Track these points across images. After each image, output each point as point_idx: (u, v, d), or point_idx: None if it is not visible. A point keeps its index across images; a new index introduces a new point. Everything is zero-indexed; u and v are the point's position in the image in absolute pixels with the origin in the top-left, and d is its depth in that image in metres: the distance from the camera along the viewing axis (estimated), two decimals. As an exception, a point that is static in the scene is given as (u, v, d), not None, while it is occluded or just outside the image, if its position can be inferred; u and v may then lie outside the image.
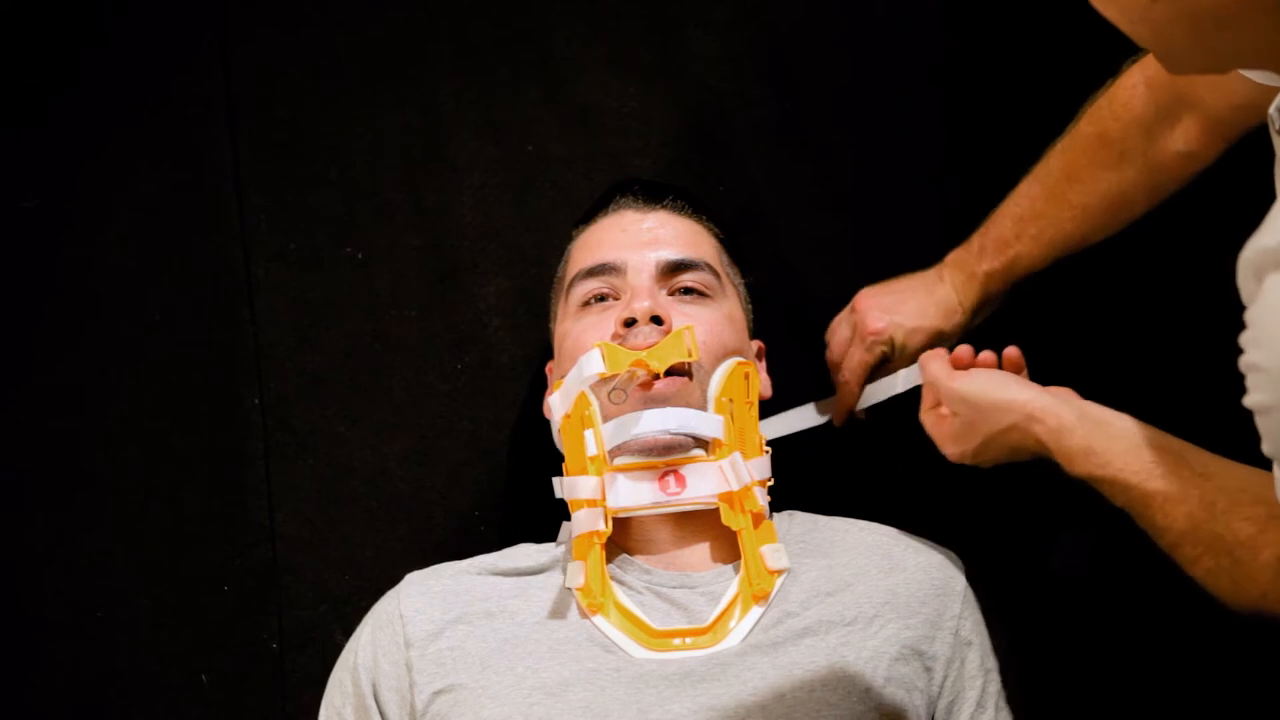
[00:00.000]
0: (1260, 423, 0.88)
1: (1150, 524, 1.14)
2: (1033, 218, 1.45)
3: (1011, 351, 1.34)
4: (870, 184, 1.66)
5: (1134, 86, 1.37)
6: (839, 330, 1.53)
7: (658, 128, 1.65)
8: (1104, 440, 1.19)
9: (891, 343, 1.48)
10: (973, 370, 1.34)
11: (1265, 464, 0.93)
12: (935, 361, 1.36)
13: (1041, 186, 1.44)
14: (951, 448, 1.34)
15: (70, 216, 1.60)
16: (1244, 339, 0.87)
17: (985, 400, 1.29)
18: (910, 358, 1.46)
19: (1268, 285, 0.84)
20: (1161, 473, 1.14)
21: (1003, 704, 1.35)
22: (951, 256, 1.50)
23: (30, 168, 1.59)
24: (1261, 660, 1.42)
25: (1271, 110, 1.02)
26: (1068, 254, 1.45)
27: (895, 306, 1.48)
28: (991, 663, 1.35)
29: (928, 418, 1.37)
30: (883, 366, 1.49)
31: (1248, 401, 0.88)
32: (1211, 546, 1.07)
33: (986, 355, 1.35)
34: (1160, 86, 1.34)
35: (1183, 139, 1.35)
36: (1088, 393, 1.27)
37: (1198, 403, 1.43)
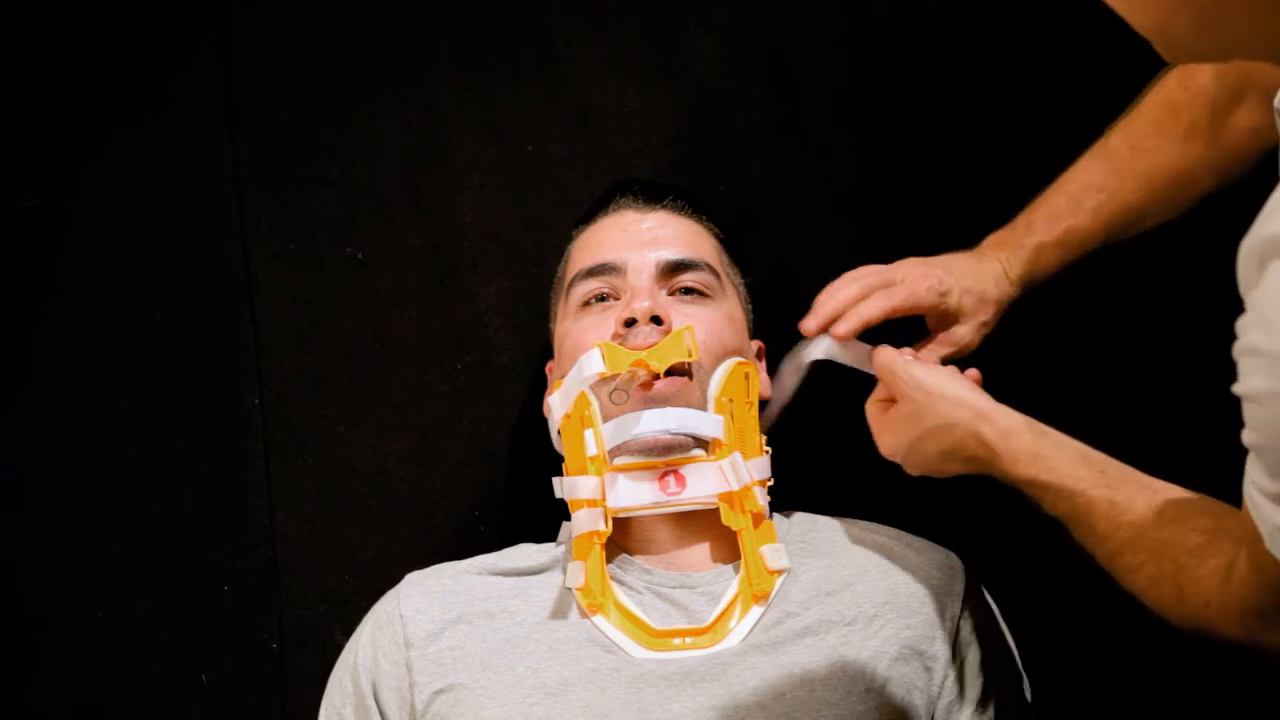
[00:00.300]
0: (1250, 410, 0.87)
1: (1090, 532, 1.12)
2: (1092, 190, 1.39)
3: (973, 372, 1.33)
4: (870, 184, 1.66)
5: (1201, 65, 1.34)
6: (846, 288, 1.41)
7: (658, 128, 1.65)
8: (1051, 447, 1.19)
9: (945, 298, 1.39)
10: (932, 364, 1.33)
11: (1239, 456, 0.93)
12: (891, 350, 1.34)
13: (1102, 160, 1.39)
14: (888, 438, 1.32)
15: (70, 216, 1.60)
16: (1243, 323, 0.87)
17: (939, 390, 1.27)
18: (962, 321, 1.41)
19: (1272, 270, 0.83)
20: (1107, 481, 1.14)
21: (1004, 704, 1.35)
22: (992, 239, 1.44)
23: (30, 168, 1.59)
24: (1262, 661, 1.42)
25: (1277, 102, 1.02)
26: (1125, 235, 1.40)
27: (948, 266, 1.41)
28: (992, 663, 1.35)
29: (873, 406, 1.35)
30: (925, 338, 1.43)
31: (1240, 388, 0.87)
32: (1156, 553, 1.06)
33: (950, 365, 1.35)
34: (1226, 65, 1.32)
35: (1249, 115, 1.32)
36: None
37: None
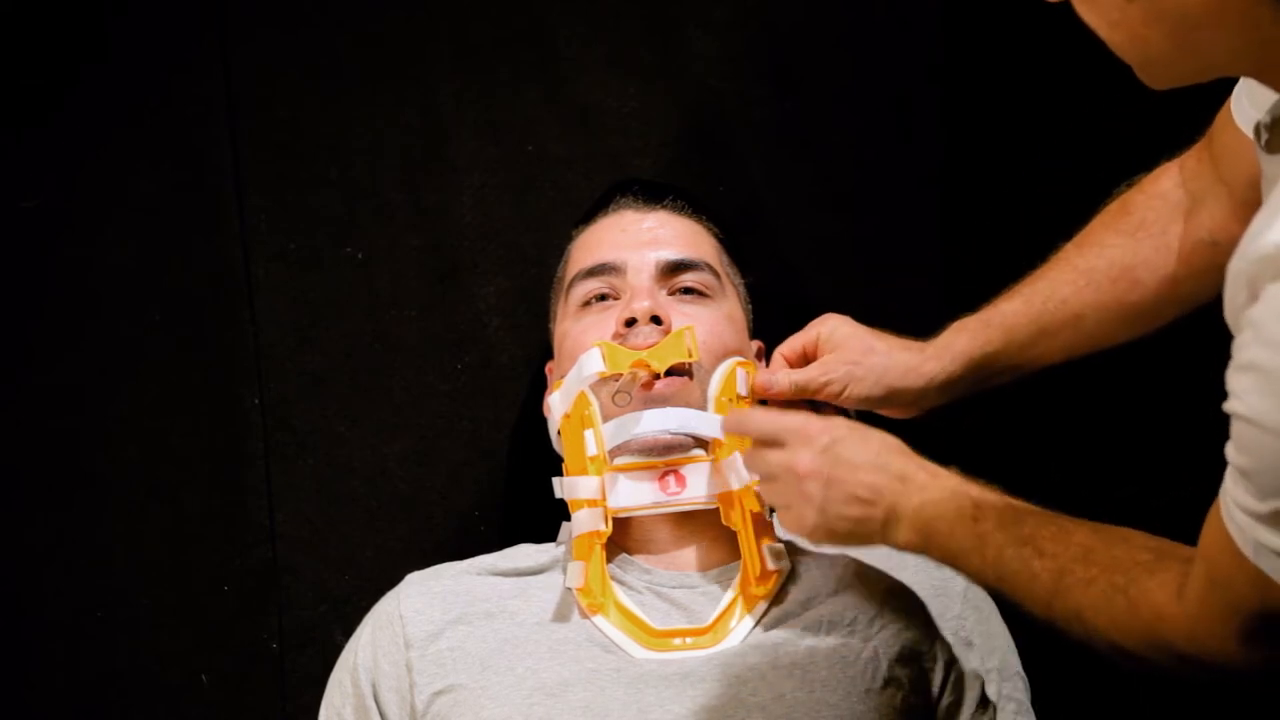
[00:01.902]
0: (1242, 430, 0.86)
1: (1037, 550, 1.08)
2: (1028, 282, 1.33)
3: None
4: (870, 184, 1.66)
5: (1166, 169, 1.31)
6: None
7: (658, 128, 1.65)
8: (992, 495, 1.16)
9: (830, 330, 1.35)
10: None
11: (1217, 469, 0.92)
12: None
13: (1047, 262, 1.33)
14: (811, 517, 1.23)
15: (70, 216, 1.60)
16: (1240, 341, 0.87)
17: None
18: (834, 350, 1.35)
19: (1271, 289, 0.83)
20: (1056, 511, 1.12)
21: (1004, 704, 1.35)
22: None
23: (30, 168, 1.59)
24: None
25: (1258, 121, 1.01)
26: (1061, 339, 1.31)
27: (859, 325, 1.36)
28: (992, 663, 1.35)
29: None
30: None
31: (1232, 406, 0.87)
32: (1108, 567, 1.03)
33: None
34: (1192, 173, 1.28)
35: (1208, 225, 1.26)
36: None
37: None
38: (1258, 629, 0.93)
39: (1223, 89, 1.19)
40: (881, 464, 1.19)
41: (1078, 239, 1.33)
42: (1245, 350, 0.85)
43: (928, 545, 1.16)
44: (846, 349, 1.34)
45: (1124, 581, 1.02)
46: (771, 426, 1.25)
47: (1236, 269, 0.86)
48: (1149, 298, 1.29)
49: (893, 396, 1.33)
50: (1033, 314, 1.31)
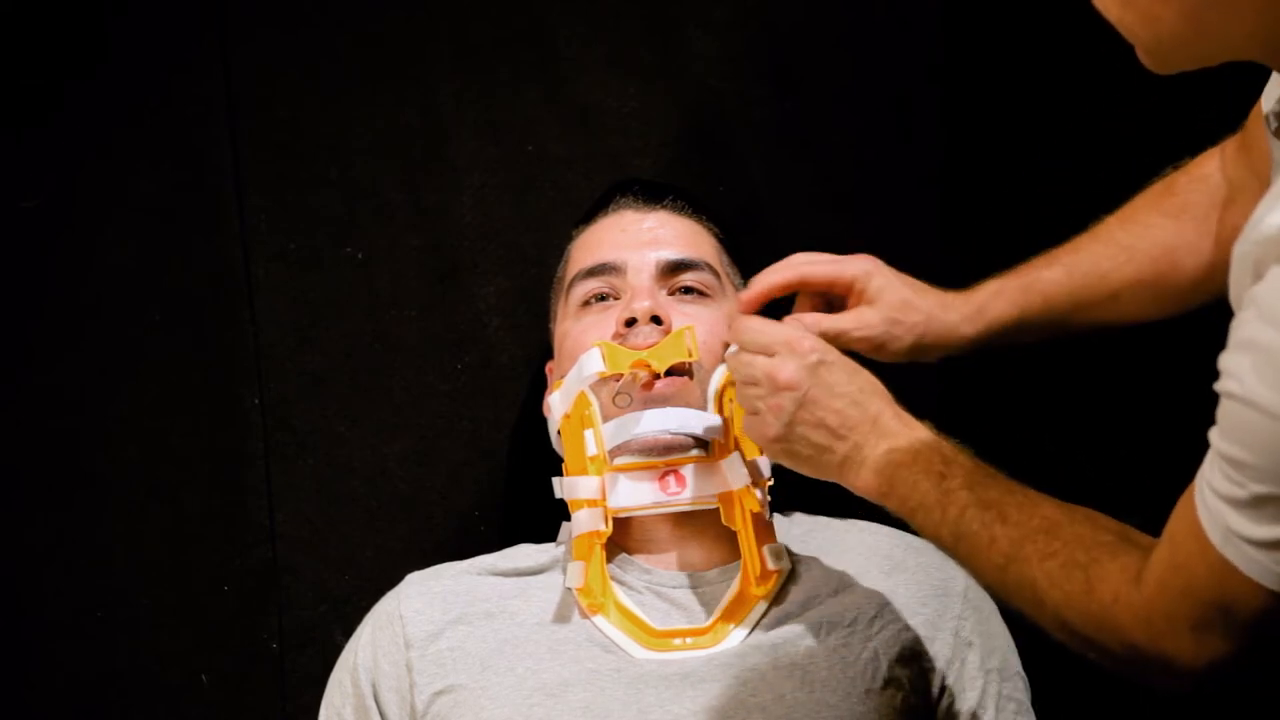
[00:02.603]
0: (1233, 412, 0.86)
1: (1000, 516, 1.07)
2: (1070, 251, 1.31)
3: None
4: (870, 184, 1.66)
5: (1210, 154, 1.30)
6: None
7: (658, 128, 1.65)
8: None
9: (870, 278, 1.30)
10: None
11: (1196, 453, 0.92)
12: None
13: (1088, 233, 1.32)
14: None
15: (70, 216, 1.60)
16: (1243, 319, 0.85)
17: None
18: (875, 307, 1.30)
19: (1278, 268, 0.82)
20: (1024, 483, 1.11)
21: (1004, 704, 1.35)
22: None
23: (30, 168, 1.59)
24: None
25: (1267, 110, 1.01)
26: (1098, 312, 1.30)
27: (893, 271, 1.32)
28: (992, 663, 1.35)
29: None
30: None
31: (1226, 386, 0.86)
32: (1070, 542, 1.02)
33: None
34: (1231, 160, 1.27)
35: (1244, 215, 1.22)
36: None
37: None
38: (1211, 618, 0.92)
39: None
40: (861, 401, 1.18)
41: (1121, 214, 1.32)
42: (1245, 328, 0.85)
43: (888, 494, 1.16)
44: (883, 303, 1.29)
45: (1085, 559, 1.01)
46: (765, 337, 1.23)
47: (1242, 251, 0.86)
48: (1186, 280, 1.29)
49: (918, 355, 1.31)
50: (1073, 286, 1.30)
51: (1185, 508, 0.94)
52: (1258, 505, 0.86)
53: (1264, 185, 1.22)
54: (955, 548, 1.12)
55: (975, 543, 1.09)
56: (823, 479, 1.22)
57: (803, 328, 1.24)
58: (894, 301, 1.29)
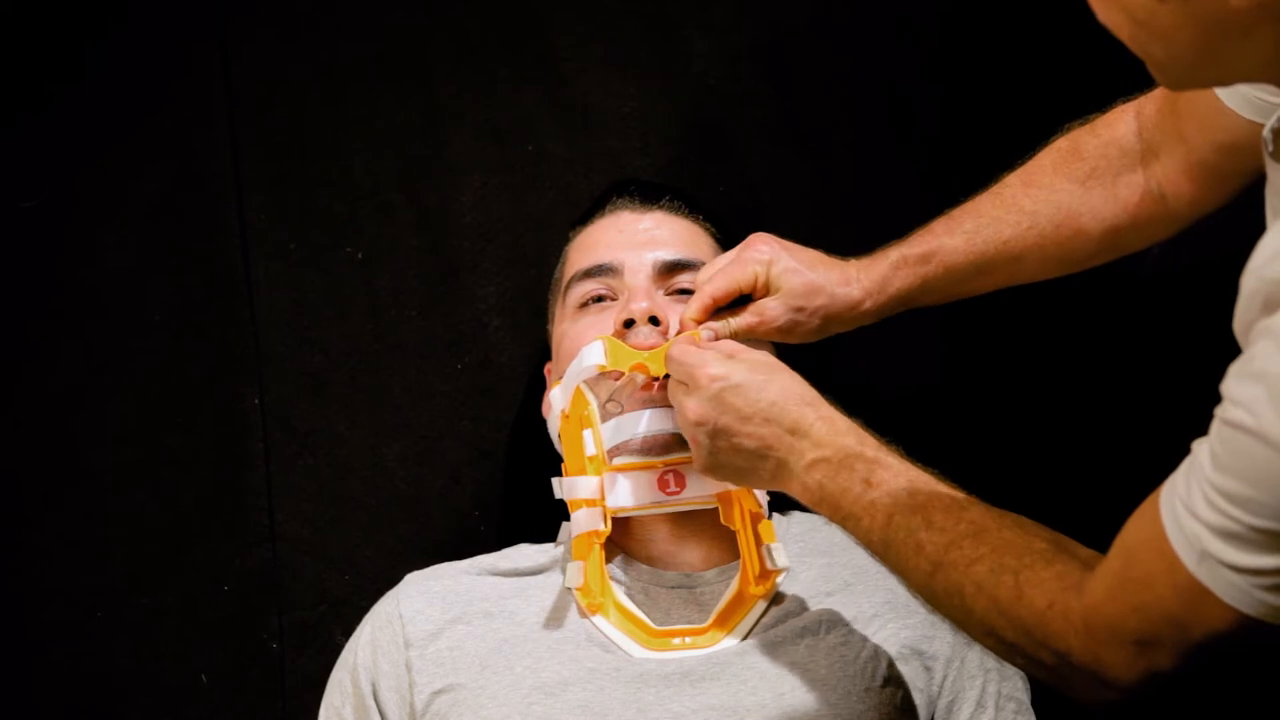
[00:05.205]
0: (1236, 440, 0.83)
1: (926, 521, 1.06)
2: (971, 215, 1.31)
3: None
4: (869, 184, 1.66)
5: (1122, 112, 1.29)
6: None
7: (658, 128, 1.65)
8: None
9: (769, 267, 1.30)
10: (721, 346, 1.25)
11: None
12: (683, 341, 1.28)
13: (993, 195, 1.31)
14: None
15: (70, 216, 1.60)
16: (1257, 350, 0.82)
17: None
18: (776, 296, 1.31)
19: None
20: (952, 484, 1.10)
21: (1004, 703, 1.35)
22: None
23: (30, 167, 1.59)
24: (1264, 664, 1.42)
25: (1265, 132, 1.00)
26: (1000, 275, 1.31)
27: (795, 248, 1.33)
28: (991, 662, 1.35)
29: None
30: (743, 304, 1.33)
31: (1235, 416, 0.83)
32: (999, 548, 1.01)
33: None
34: (1148, 120, 1.26)
35: (1159, 178, 1.25)
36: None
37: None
38: (1161, 634, 0.90)
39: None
40: (774, 415, 1.17)
41: (1024, 175, 1.31)
42: (1258, 360, 0.82)
43: (820, 503, 1.15)
44: (786, 291, 1.30)
45: (1016, 564, 0.99)
46: (679, 370, 1.23)
47: (1252, 287, 0.84)
48: (1090, 245, 1.29)
49: (826, 333, 1.33)
50: (975, 254, 1.30)
51: (1146, 521, 0.91)
52: (1252, 537, 0.83)
53: (1190, 152, 1.21)
54: (885, 555, 1.11)
55: (903, 551, 1.08)
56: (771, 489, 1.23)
57: (709, 354, 1.23)
58: (796, 288, 1.31)
